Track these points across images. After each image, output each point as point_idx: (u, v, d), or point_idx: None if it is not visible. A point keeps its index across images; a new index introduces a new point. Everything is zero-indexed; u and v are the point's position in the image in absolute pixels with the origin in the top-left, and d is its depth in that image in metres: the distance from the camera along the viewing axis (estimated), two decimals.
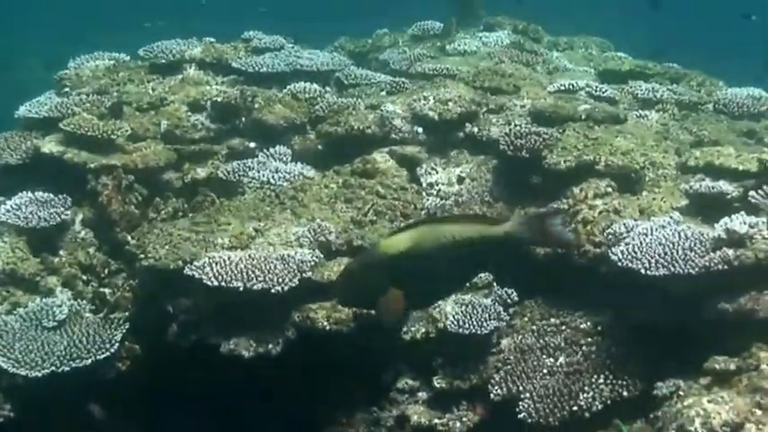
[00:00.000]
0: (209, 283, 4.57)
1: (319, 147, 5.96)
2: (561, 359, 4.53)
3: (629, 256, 4.28)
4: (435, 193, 5.56)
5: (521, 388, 4.48)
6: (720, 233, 4.12)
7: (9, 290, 5.03)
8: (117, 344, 4.71)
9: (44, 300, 4.95)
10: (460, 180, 5.61)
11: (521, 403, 4.40)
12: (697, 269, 4.09)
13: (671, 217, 4.58)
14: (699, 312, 4.10)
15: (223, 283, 4.56)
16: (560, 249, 4.62)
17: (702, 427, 3.39)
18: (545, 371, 4.51)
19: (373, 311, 4.34)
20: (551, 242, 4.28)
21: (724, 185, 4.70)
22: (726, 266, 4.02)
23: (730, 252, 4.03)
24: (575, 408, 4.28)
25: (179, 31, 7.02)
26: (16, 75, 14.76)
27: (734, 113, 6.22)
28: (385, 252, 3.94)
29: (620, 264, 4.29)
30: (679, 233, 4.32)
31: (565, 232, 4.31)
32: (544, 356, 4.60)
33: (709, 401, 3.47)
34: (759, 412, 3.41)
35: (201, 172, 5.76)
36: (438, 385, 4.74)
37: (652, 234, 4.40)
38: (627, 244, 4.38)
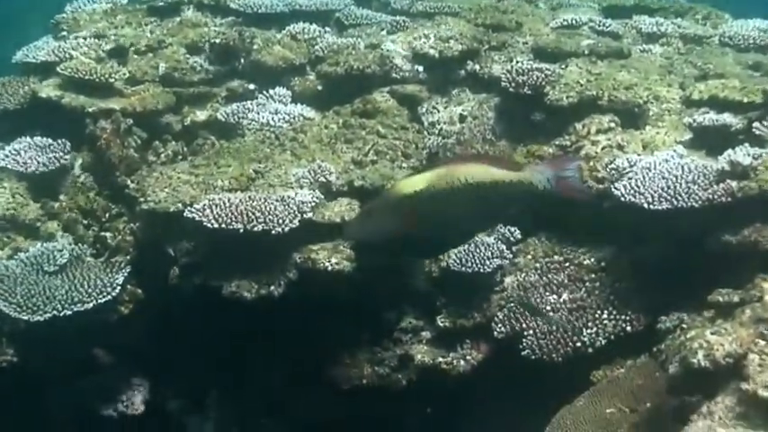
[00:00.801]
0: (209, 225, 4.54)
1: (319, 87, 5.89)
2: (564, 296, 4.52)
3: (632, 191, 4.24)
4: (437, 132, 5.50)
5: (524, 325, 4.47)
6: (724, 165, 4.08)
7: (9, 235, 5.01)
8: (119, 287, 4.68)
9: (45, 244, 4.92)
10: (462, 119, 5.55)
11: (524, 340, 4.40)
12: (700, 202, 4.06)
13: (674, 151, 4.54)
14: (703, 246, 4.07)
15: (223, 225, 4.53)
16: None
17: (705, 358, 3.36)
18: (548, 308, 4.50)
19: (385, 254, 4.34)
20: (567, 194, 4.17)
21: (728, 118, 4.65)
22: (729, 198, 3.99)
23: (734, 184, 3.99)
24: (578, 344, 4.27)
25: None
26: (16, 29, 14.66)
27: (740, 46, 6.11)
28: (400, 191, 3.88)
29: (623, 199, 4.26)
30: (682, 166, 4.28)
31: (582, 186, 4.21)
32: (547, 293, 4.58)
33: (712, 333, 3.43)
34: (762, 342, 3.37)
35: (201, 115, 5.71)
36: (442, 324, 4.75)
37: (655, 168, 4.36)
38: (630, 179, 4.35)
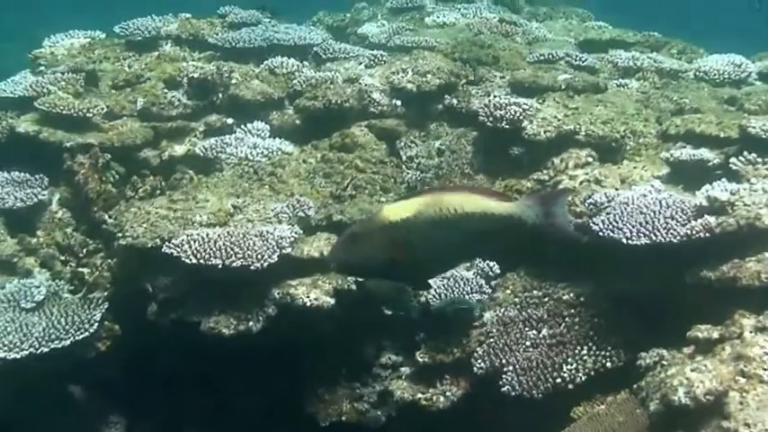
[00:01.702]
0: (187, 260, 4.52)
1: (297, 122, 5.91)
2: (544, 331, 4.50)
3: (611, 226, 4.25)
4: (415, 166, 5.52)
5: (504, 361, 4.45)
6: (702, 201, 4.10)
7: None
8: (96, 324, 4.64)
9: (22, 281, 4.88)
10: (440, 153, 5.57)
11: (504, 376, 4.37)
12: (679, 237, 4.06)
13: (652, 185, 4.56)
14: (681, 281, 4.08)
15: (202, 261, 4.50)
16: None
17: (686, 396, 3.37)
18: (528, 343, 4.48)
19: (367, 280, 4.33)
20: (553, 233, 4.15)
21: (705, 153, 4.68)
22: (708, 234, 4.00)
23: (712, 219, 4.00)
24: (558, 380, 4.25)
25: (154, 7, 6.92)
26: None
27: (715, 81, 6.18)
28: (386, 218, 3.86)
29: (601, 234, 4.26)
30: (660, 201, 4.29)
31: (569, 226, 4.22)
32: (527, 329, 4.56)
33: (692, 370, 3.45)
34: (742, 380, 3.39)
35: (179, 149, 5.71)
36: (421, 360, 4.72)
37: (633, 203, 4.37)
38: (608, 213, 4.36)
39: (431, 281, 4.57)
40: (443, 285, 4.75)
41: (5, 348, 4.44)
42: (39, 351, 4.46)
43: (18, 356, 4.43)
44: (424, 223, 3.79)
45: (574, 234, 4.39)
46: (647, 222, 4.17)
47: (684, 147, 4.84)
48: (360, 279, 4.65)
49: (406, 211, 3.77)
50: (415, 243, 3.84)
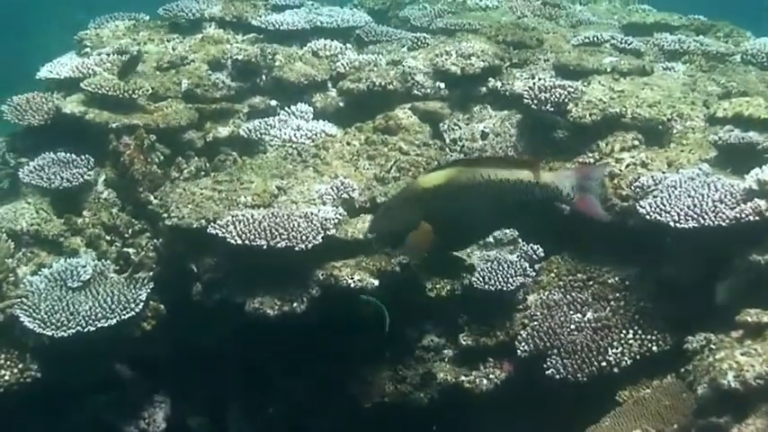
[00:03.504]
0: (232, 241, 4.54)
1: (341, 104, 5.91)
2: (589, 314, 4.49)
3: (658, 209, 4.22)
4: (459, 149, 5.50)
5: (548, 344, 4.44)
6: (751, 184, 4.06)
7: (33, 251, 5.02)
8: (142, 303, 4.67)
9: (68, 260, 4.92)
10: (484, 135, 5.55)
11: (548, 360, 4.37)
12: (727, 221, 4.03)
13: (700, 169, 4.51)
14: (730, 265, 4.05)
15: (246, 242, 4.52)
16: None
17: (735, 379, 3.34)
18: (572, 327, 4.47)
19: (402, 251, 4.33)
20: (583, 210, 4.09)
21: (754, 136, 4.63)
22: (757, 217, 3.96)
23: (762, 203, 3.97)
24: (603, 363, 4.25)
25: None
26: (37, 40, 14.76)
27: (762, 64, 6.10)
28: (421, 186, 3.86)
29: (648, 217, 4.24)
30: (708, 185, 4.26)
31: (599, 207, 4.15)
32: (571, 312, 4.56)
33: (741, 354, 3.41)
34: None
35: (223, 131, 5.72)
36: (464, 342, 4.73)
37: (681, 186, 4.34)
38: (655, 197, 4.33)
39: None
40: (488, 268, 4.73)
41: (53, 327, 4.48)
42: (85, 330, 4.50)
43: (65, 335, 4.47)
44: (457, 190, 3.79)
45: (601, 213, 4.32)
46: (694, 206, 4.14)
47: (732, 130, 4.79)
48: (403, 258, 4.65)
49: (438, 178, 3.77)
50: (447, 210, 3.84)
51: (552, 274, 4.80)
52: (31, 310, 4.53)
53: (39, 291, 4.69)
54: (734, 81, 5.64)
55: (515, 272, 4.74)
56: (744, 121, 4.86)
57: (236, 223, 4.61)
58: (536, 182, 3.80)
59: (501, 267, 4.76)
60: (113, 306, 4.60)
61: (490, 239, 4.92)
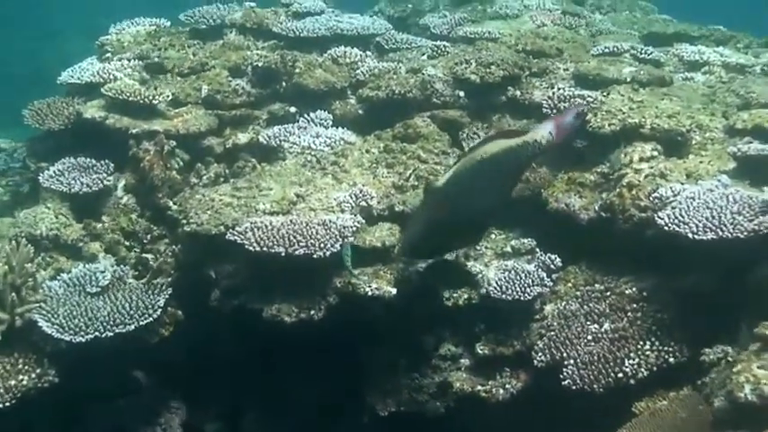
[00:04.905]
0: (251, 248, 4.56)
1: (360, 111, 5.91)
2: (606, 325, 4.47)
3: (676, 220, 4.21)
4: None
5: (565, 354, 4.44)
6: None
7: (52, 255, 5.06)
8: (160, 309, 4.70)
9: (87, 265, 4.96)
10: None
11: (565, 370, 4.36)
12: (746, 233, 4.02)
13: (719, 180, 4.50)
14: (748, 277, 4.04)
15: (265, 249, 4.54)
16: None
17: (753, 392, 3.33)
18: (589, 337, 4.46)
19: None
20: (560, 139, 4.24)
21: None
22: None
23: None
24: (620, 374, 4.23)
25: None
26: (59, 45, 14.87)
27: None
28: (432, 185, 3.99)
29: (666, 228, 4.23)
30: (727, 197, 4.25)
31: (573, 133, 4.27)
32: (588, 323, 4.54)
33: (759, 367, 3.41)
34: None
35: (242, 137, 5.73)
36: (481, 351, 4.73)
37: (699, 198, 4.33)
38: (673, 208, 4.32)
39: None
40: (505, 278, 4.73)
41: (71, 332, 4.51)
42: (103, 335, 4.52)
43: (83, 340, 4.50)
44: (462, 178, 3.91)
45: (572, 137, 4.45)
46: (713, 217, 4.13)
47: (752, 142, 4.77)
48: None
49: (446, 173, 3.90)
50: (458, 197, 3.96)
51: (569, 285, 4.79)
52: (49, 315, 4.55)
53: (57, 296, 4.73)
54: (754, 92, 5.61)
55: (533, 282, 4.73)
56: (763, 132, 4.84)
57: (255, 230, 4.64)
58: (522, 143, 3.93)
59: (518, 277, 4.75)
60: (131, 312, 4.62)
61: (508, 249, 4.92)
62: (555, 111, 5.32)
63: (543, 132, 4.10)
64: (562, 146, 4.48)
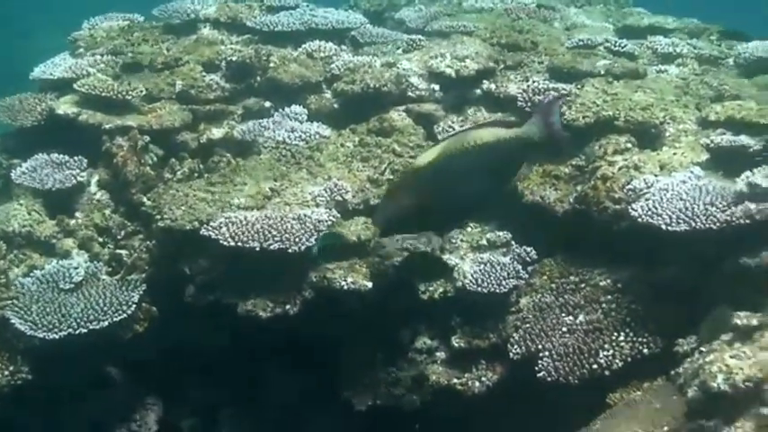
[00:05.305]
0: (225, 243, 4.55)
1: (335, 105, 5.90)
2: (581, 317, 4.49)
3: (650, 212, 4.23)
4: None
5: (540, 346, 4.45)
6: (742, 187, 4.06)
7: (26, 252, 5.02)
8: (134, 305, 4.68)
9: (60, 262, 4.93)
10: None
11: (540, 362, 4.37)
12: (719, 224, 4.03)
13: (692, 172, 4.52)
14: (720, 268, 4.05)
15: (239, 244, 4.53)
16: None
17: (725, 382, 3.34)
18: (564, 329, 4.47)
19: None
20: (553, 140, 4.27)
21: (745, 139, 4.62)
22: (748, 221, 3.96)
23: (752, 206, 3.97)
24: (594, 366, 4.24)
25: None
26: (31, 40, 14.78)
27: (754, 67, 6.09)
28: (416, 166, 3.98)
29: (640, 220, 4.24)
30: (700, 188, 4.27)
31: (561, 133, 4.29)
32: (563, 315, 4.55)
33: (731, 357, 3.42)
34: None
35: (217, 132, 5.70)
36: (456, 344, 4.74)
37: (672, 189, 4.34)
38: (647, 200, 4.33)
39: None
40: (480, 270, 4.74)
41: (44, 329, 4.49)
42: (77, 332, 4.50)
43: (57, 337, 4.48)
44: (449, 162, 3.90)
45: (564, 139, 4.44)
46: (686, 209, 4.15)
47: (724, 133, 4.79)
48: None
49: (431, 155, 3.88)
50: (443, 182, 3.94)
51: (545, 277, 4.79)
52: (22, 312, 4.54)
53: (30, 292, 4.70)
54: (726, 84, 5.64)
55: (508, 274, 4.75)
56: (736, 124, 4.86)
57: (229, 225, 4.62)
58: (511, 136, 3.94)
59: (494, 270, 4.76)
60: (105, 308, 4.60)
61: (483, 241, 4.92)
62: (531, 104, 5.32)
63: (535, 129, 4.10)
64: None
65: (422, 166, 4.00)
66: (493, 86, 5.72)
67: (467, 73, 5.75)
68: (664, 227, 4.14)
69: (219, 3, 6.84)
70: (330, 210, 4.81)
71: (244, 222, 4.62)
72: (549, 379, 4.30)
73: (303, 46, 6.38)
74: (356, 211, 4.91)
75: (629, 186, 4.54)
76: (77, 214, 5.24)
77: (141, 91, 5.68)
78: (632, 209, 4.32)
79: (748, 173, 4.11)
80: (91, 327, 4.52)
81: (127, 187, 5.27)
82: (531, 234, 4.91)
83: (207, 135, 5.68)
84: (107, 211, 5.26)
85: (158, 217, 4.88)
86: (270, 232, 4.56)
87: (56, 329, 4.48)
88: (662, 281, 4.33)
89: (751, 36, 6.79)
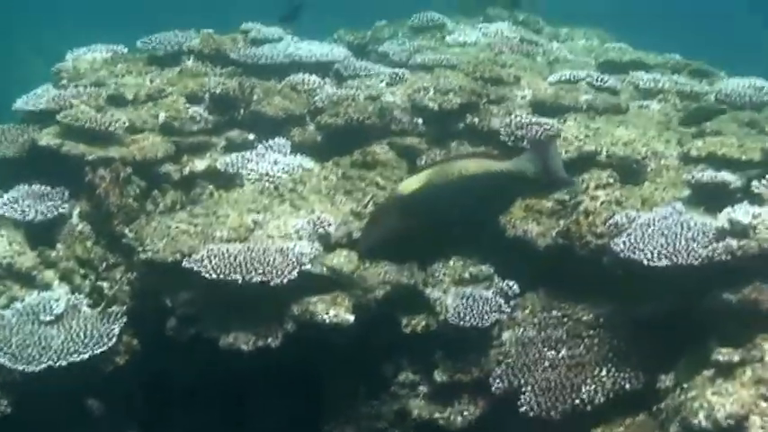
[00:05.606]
0: (207, 276, 4.53)
1: (319, 138, 5.89)
2: (563, 352, 4.49)
3: (632, 247, 4.23)
4: None
5: (522, 381, 4.44)
6: (723, 223, 4.07)
7: (6, 284, 4.97)
8: (115, 338, 4.65)
9: (41, 294, 4.90)
10: None
11: (522, 397, 4.37)
12: (700, 260, 4.05)
13: (673, 207, 4.54)
14: (702, 304, 4.06)
15: (222, 276, 4.52)
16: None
17: (706, 419, 3.35)
18: (546, 363, 4.48)
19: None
20: (551, 179, 4.27)
21: (727, 175, 4.66)
22: (729, 257, 3.97)
23: (734, 242, 3.98)
24: (577, 401, 4.24)
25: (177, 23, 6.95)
26: (18, 71, 14.78)
27: (735, 104, 6.15)
28: (400, 193, 3.98)
29: (622, 255, 4.25)
30: (681, 223, 4.28)
31: (562, 171, 4.28)
32: (546, 349, 4.56)
33: (713, 394, 3.44)
34: (764, 404, 3.37)
35: (200, 164, 5.69)
36: (438, 379, 4.72)
37: (654, 225, 4.36)
38: (629, 235, 4.34)
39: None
40: (463, 304, 4.73)
41: (24, 361, 4.45)
42: (57, 364, 4.47)
43: (36, 369, 4.44)
44: (434, 191, 3.91)
45: (567, 179, 4.50)
46: (668, 244, 4.16)
47: (706, 169, 4.82)
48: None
49: (416, 183, 3.91)
50: (427, 211, 3.95)
51: (527, 311, 4.80)
52: (1, 345, 4.50)
53: (10, 324, 4.66)
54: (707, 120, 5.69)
55: (491, 308, 4.73)
56: (717, 159, 4.91)
57: (212, 257, 4.60)
58: (501, 170, 3.94)
59: (476, 303, 4.75)
60: (86, 340, 4.57)
61: (466, 275, 4.92)
62: (512, 139, 5.34)
63: (529, 165, 4.09)
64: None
65: (408, 193, 4.03)
66: (476, 120, 5.73)
67: (450, 106, 5.76)
68: (645, 262, 4.14)
69: (203, 35, 6.85)
70: (313, 242, 4.80)
71: (226, 255, 4.61)
72: (531, 414, 4.29)
73: (287, 78, 6.38)
74: (339, 244, 4.90)
75: (612, 221, 4.55)
76: (59, 246, 5.21)
77: (124, 122, 5.66)
78: (614, 244, 4.33)
79: (729, 209, 4.13)
80: (71, 359, 4.49)
81: (109, 219, 5.25)
82: (513, 268, 4.90)
83: (190, 167, 5.67)
84: (89, 243, 5.23)
85: (140, 249, 4.86)
86: (252, 265, 4.54)
87: (35, 362, 4.45)
88: (644, 316, 4.34)
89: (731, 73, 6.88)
